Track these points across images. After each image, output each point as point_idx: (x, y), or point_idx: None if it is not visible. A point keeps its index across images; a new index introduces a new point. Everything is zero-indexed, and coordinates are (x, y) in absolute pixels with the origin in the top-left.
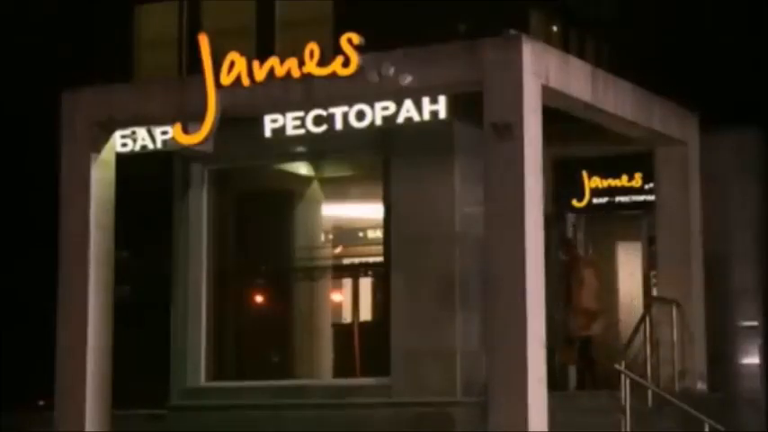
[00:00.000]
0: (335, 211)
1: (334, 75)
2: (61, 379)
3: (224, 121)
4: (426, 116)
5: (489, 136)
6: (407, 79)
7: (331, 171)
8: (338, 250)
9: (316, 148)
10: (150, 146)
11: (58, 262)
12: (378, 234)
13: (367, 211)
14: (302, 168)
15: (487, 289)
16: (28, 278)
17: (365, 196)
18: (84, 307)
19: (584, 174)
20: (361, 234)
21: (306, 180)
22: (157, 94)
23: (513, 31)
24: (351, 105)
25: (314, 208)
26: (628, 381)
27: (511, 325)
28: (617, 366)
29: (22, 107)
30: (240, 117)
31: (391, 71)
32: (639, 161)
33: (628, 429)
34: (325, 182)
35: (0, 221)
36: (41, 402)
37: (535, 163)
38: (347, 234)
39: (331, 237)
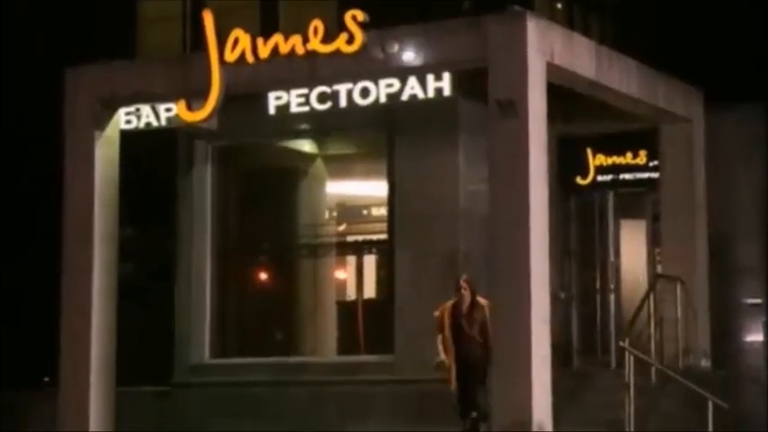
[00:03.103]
0: (339, 188)
1: (338, 52)
2: (65, 355)
3: (228, 98)
4: (431, 93)
5: (493, 113)
6: (411, 56)
7: (335, 148)
8: (342, 228)
9: (320, 126)
10: (154, 123)
11: (62, 240)
12: (382, 212)
13: (371, 189)
14: (306, 146)
15: (492, 267)
16: (33, 257)
17: (369, 174)
18: (88, 284)
19: (589, 151)
20: (365, 212)
21: (310, 157)
22: (161, 71)
23: (517, 8)
24: (355, 82)
25: (318, 185)
26: (632, 358)
27: (515, 302)
28: (621, 344)
29: (25, 85)
30: (244, 94)
31: (395, 48)
32: (644, 138)
33: (632, 406)
34: (328, 159)
35: (4, 201)
36: (46, 379)
37: (539, 140)
38: (351, 211)
39: (335, 214)
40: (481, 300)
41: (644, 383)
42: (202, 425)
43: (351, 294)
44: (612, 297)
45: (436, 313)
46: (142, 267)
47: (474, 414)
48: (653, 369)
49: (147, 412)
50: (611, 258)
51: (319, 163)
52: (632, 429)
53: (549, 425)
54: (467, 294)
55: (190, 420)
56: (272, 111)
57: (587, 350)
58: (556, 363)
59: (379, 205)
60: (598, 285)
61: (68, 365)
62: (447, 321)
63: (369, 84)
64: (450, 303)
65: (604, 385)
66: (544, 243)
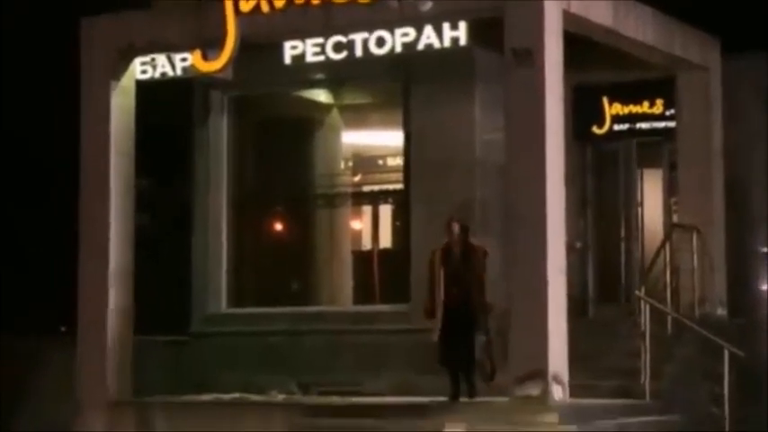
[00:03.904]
0: (355, 138)
1: (353, 1)
2: (84, 304)
3: (243, 47)
4: (447, 42)
5: (509, 62)
6: (427, 5)
7: (350, 98)
8: (357, 178)
9: (335, 75)
10: (170, 73)
11: (79, 190)
12: (397, 161)
13: (386, 139)
14: (321, 96)
15: (508, 216)
16: (50, 207)
17: (384, 123)
18: (105, 234)
19: (605, 100)
20: (380, 161)
21: (325, 107)
22: (177, 20)
23: None
24: (371, 32)
25: (333, 135)
26: (648, 307)
27: (531, 252)
28: (637, 293)
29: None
30: (260, 44)
31: None
32: (661, 87)
33: (648, 355)
34: (344, 109)
35: (22, 150)
36: (63, 329)
37: (556, 89)
38: (367, 161)
39: (350, 164)
40: (475, 242)
41: (660, 332)
42: (219, 374)
43: (367, 244)
44: (629, 246)
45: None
46: (158, 217)
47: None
48: (669, 318)
49: (165, 361)
50: (628, 208)
51: (335, 113)
52: (648, 378)
53: (565, 374)
54: (458, 238)
55: (207, 369)
56: (287, 60)
57: (603, 300)
58: (571, 312)
59: (394, 155)
60: (614, 235)
61: (86, 314)
62: (439, 266)
63: (384, 33)
64: (440, 248)
65: (620, 334)
66: (560, 193)
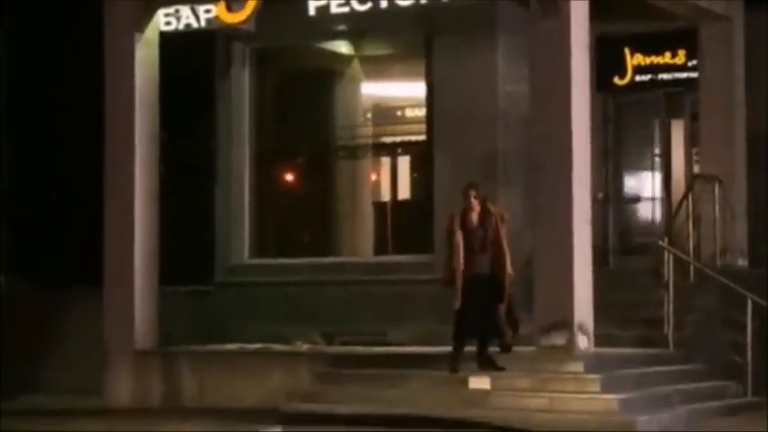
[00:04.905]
0: (377, 89)
1: None
2: (110, 255)
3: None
4: None
5: (535, 12)
6: None
7: (372, 49)
8: (379, 129)
9: (358, 27)
10: (194, 24)
11: (104, 142)
12: (418, 113)
13: (409, 90)
14: (343, 47)
15: (533, 167)
16: (75, 159)
17: (406, 74)
18: (131, 186)
19: (627, 51)
20: (401, 113)
21: (346, 59)
22: None
23: None
24: None
25: (354, 87)
26: (671, 257)
27: (557, 202)
28: (660, 243)
29: None
30: None
31: None
32: (683, 38)
33: (671, 305)
34: (365, 60)
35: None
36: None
37: (581, 40)
38: (388, 113)
39: (373, 115)
40: (492, 208)
41: (682, 282)
42: (242, 324)
43: (389, 195)
44: (649, 197)
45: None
46: (182, 169)
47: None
48: (691, 268)
49: (188, 312)
50: (650, 158)
51: (356, 64)
52: (671, 328)
53: (590, 324)
54: (475, 202)
55: (229, 319)
56: (311, 12)
57: (624, 250)
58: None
59: (416, 106)
60: (635, 185)
61: (113, 265)
62: (456, 232)
63: None
64: (458, 212)
65: (642, 285)
66: (586, 144)
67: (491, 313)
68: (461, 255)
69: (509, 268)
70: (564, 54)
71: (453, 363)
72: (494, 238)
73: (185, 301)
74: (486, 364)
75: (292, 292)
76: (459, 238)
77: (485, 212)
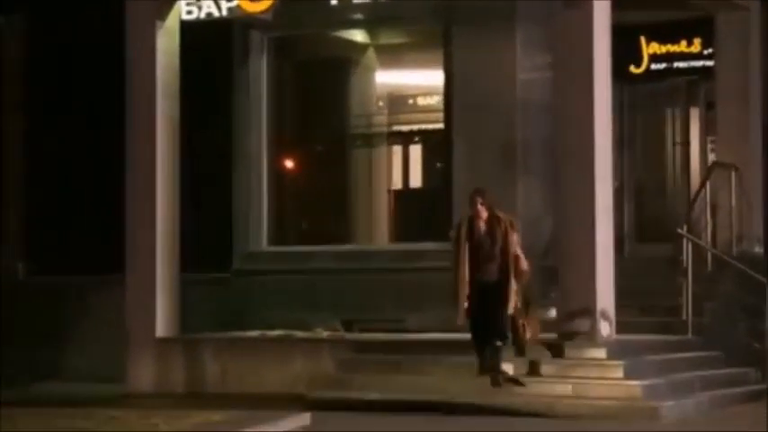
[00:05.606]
0: (395, 78)
1: None
2: (131, 243)
3: None
4: None
5: (558, 1)
6: None
7: (389, 38)
8: (398, 117)
9: (376, 17)
10: (216, 13)
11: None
12: (434, 101)
13: (426, 78)
14: (358, 36)
15: (556, 155)
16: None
17: (423, 63)
18: (152, 174)
19: (643, 39)
20: (417, 101)
21: (362, 47)
22: None
23: None
24: None
25: (370, 75)
26: (690, 244)
27: (579, 192)
28: (679, 231)
29: None
30: None
31: None
32: (699, 26)
33: (690, 292)
34: (381, 49)
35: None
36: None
37: (604, 29)
38: (406, 101)
39: (389, 104)
40: (501, 214)
41: (700, 270)
42: (260, 311)
43: (408, 183)
44: (666, 185)
45: (451, 233)
46: (200, 157)
47: (498, 342)
48: (709, 255)
49: (207, 299)
50: (666, 147)
51: (371, 53)
52: (690, 315)
53: (612, 312)
54: (482, 209)
55: (247, 307)
56: (333, 1)
57: (640, 238)
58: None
59: (433, 94)
60: (651, 173)
61: (134, 253)
62: (464, 241)
63: None
64: (465, 221)
65: (658, 272)
66: (607, 133)
67: (497, 319)
68: (466, 268)
69: (524, 265)
70: (587, 43)
71: (492, 374)
72: (503, 246)
73: (203, 288)
74: (507, 380)
75: (311, 279)
76: (465, 251)
77: (493, 219)
